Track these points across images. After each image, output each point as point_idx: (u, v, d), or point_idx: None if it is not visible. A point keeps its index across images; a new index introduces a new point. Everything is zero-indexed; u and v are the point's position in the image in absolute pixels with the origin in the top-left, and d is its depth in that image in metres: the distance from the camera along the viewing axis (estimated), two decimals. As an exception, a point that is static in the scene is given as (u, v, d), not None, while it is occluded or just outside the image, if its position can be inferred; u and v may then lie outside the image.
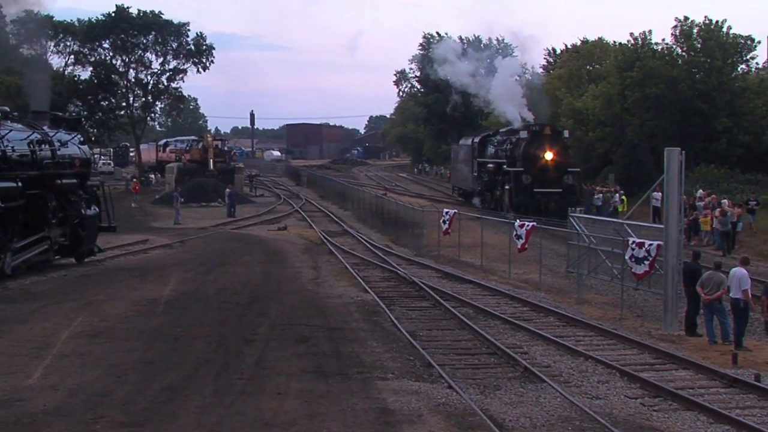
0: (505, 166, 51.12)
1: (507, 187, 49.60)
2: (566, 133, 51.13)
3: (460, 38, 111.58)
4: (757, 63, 63.36)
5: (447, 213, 37.36)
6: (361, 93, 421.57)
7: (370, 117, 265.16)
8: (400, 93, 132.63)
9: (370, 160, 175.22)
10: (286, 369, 16.14)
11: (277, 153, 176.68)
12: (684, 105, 57.84)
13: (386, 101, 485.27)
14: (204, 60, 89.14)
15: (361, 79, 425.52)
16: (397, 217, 47.00)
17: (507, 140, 53.03)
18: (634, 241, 23.01)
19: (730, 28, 59.14)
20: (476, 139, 59.93)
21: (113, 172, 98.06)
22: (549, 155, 49.00)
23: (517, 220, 31.77)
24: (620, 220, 27.03)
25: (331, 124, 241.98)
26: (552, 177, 48.70)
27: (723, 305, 20.70)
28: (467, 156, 62.23)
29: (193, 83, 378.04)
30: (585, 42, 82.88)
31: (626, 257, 23.28)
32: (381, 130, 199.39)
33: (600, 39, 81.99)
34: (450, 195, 72.68)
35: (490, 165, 54.81)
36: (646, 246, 22.40)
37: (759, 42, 60.06)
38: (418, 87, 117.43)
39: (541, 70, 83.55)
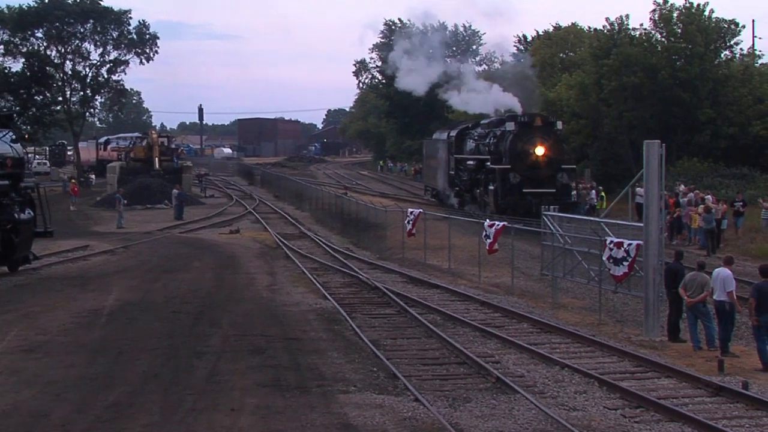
0: (488, 164, 47.86)
1: (491, 187, 46.47)
2: (559, 125, 47.60)
3: (424, 25, 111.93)
4: (741, 49, 63.92)
5: (411, 213, 37.41)
6: (318, 85, 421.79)
7: (329, 111, 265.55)
8: (361, 84, 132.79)
9: (328, 157, 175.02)
10: (240, 383, 16.10)
11: (228, 150, 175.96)
12: (664, 94, 58.27)
13: (345, 93, 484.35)
14: (147, 50, 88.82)
15: (318, 70, 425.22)
16: (359, 217, 46.97)
17: (490, 133, 49.79)
18: (612, 241, 23.14)
19: (712, 11, 59.77)
20: (453, 133, 56.60)
21: (49, 172, 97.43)
22: (540, 150, 45.62)
23: (487, 220, 31.84)
24: (597, 219, 27.14)
25: (287, 118, 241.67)
26: (544, 175, 45.63)
27: (707, 308, 20.87)
28: (442, 152, 58.74)
29: (135, 76, 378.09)
30: (558, 28, 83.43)
31: (604, 258, 23.40)
32: (340, 125, 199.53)
33: (574, 25, 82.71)
34: (420, 195, 72.64)
35: (470, 162, 51.54)
36: (625, 246, 22.53)
37: (743, 26, 60.62)
38: (380, 78, 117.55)
39: (511, 58, 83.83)
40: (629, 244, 22.46)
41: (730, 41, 60.57)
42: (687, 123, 58.74)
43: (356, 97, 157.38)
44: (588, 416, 14.89)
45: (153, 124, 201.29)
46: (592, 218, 27.14)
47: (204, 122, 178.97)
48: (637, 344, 20.98)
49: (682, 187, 45.66)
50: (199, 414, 14.06)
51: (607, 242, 23.28)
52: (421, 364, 18.44)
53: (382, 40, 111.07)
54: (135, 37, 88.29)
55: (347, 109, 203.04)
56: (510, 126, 46.90)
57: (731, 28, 60.05)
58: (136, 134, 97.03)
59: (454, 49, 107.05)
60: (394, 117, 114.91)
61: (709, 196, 40.68)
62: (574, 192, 46.48)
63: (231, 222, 53.45)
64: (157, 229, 49.42)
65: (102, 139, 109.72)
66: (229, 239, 44.57)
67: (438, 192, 60.91)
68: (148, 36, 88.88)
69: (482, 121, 53.69)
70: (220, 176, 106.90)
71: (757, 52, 68.70)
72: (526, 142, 46.03)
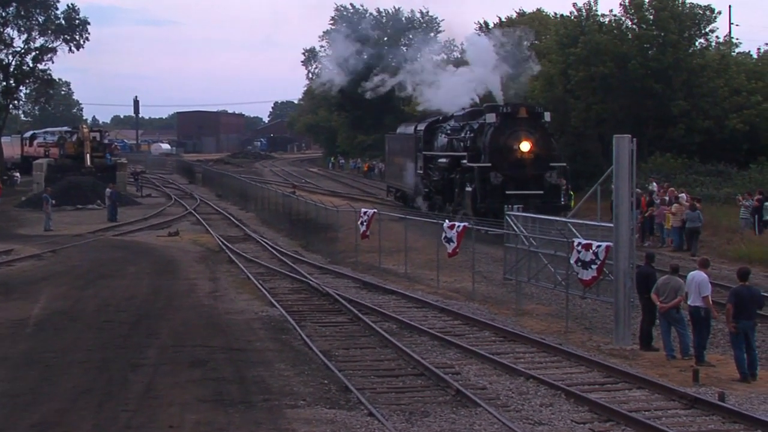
0: (464, 161, 44.97)
1: (469, 188, 43.46)
2: (547, 116, 44.32)
3: (378, 11, 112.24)
4: (717, 37, 64.50)
5: (365, 213, 37.42)
6: (264, 75, 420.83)
7: (275, 103, 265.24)
8: (310, 75, 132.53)
9: (275, 153, 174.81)
10: (179, 398, 16.04)
11: (166, 146, 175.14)
12: (635, 85, 58.63)
13: (293, 85, 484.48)
14: (77, 37, 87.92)
15: (264, 60, 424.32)
16: (308, 218, 46.91)
17: (466, 126, 46.88)
18: (580, 243, 23.27)
19: (686, -4, 60.20)
20: (421, 127, 53.72)
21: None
22: (525, 146, 42.67)
23: (446, 221, 31.89)
24: (564, 219, 27.28)
25: (230, 111, 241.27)
26: (529, 174, 42.68)
27: (681, 314, 21.03)
28: (408, 148, 55.90)
29: (64, 65, 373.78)
30: (522, 14, 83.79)
31: (571, 261, 23.53)
32: (288, 119, 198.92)
33: (539, 11, 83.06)
34: (373, 194, 72.71)
35: (443, 160, 48.81)
36: (594, 248, 22.67)
37: (719, 12, 61.04)
38: (330, 68, 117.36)
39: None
40: (598, 246, 22.59)
41: (705, 28, 60.96)
42: (659, 116, 59.16)
43: (305, 88, 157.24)
44: (554, 431, 14.98)
45: (84, 118, 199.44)
46: (558, 218, 27.26)
47: (140, 115, 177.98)
48: (606, 353, 21.13)
49: (654, 184, 46.02)
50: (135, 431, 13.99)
51: (575, 244, 23.39)
52: (376, 376, 18.47)
53: (333, 27, 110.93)
54: (63, 22, 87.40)
55: (295, 102, 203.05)
56: (490, 118, 43.64)
57: (706, 15, 60.41)
58: (66, 128, 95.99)
59: (411, 36, 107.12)
60: (345, 110, 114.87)
61: (684, 195, 41.02)
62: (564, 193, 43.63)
63: (170, 224, 53.14)
64: (88, 231, 49.02)
65: (27, 134, 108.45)
66: (167, 242, 44.35)
67: (404, 193, 58.26)
68: (77, 21, 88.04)
69: (455, 113, 50.71)
70: (157, 174, 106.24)
71: (734, 40, 69.63)
72: (509, 137, 43.09)
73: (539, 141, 43.12)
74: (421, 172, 52.58)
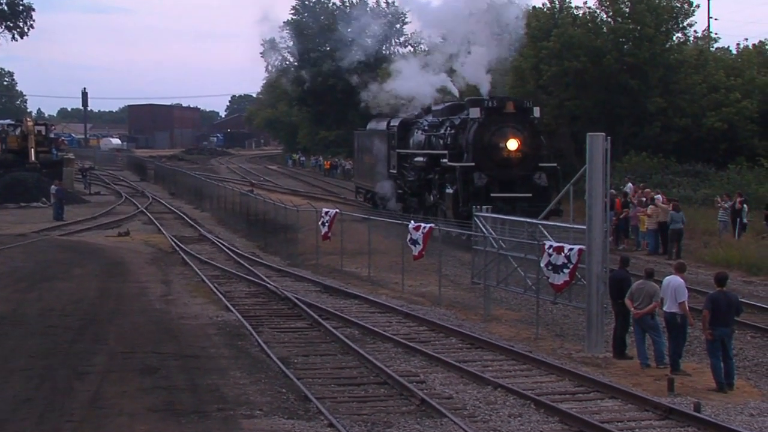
0: (445, 160, 43.18)
1: (449, 190, 41.91)
2: (536, 111, 42.27)
3: (342, 1, 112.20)
4: (695, 31, 65.05)
5: (327, 213, 37.39)
6: (221, 67, 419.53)
7: (233, 97, 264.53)
8: (269, 67, 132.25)
9: (232, 150, 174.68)
10: (128, 407, 15.96)
11: (116, 141, 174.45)
12: (610, 81, 58.99)
13: (252, 77, 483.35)
14: (21, 24, 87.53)
15: (221, 50, 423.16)
16: (267, 218, 46.84)
17: (446, 122, 45.19)
18: (551, 246, 23.35)
19: (664, -12, 60.60)
20: (394, 123, 51.83)
21: None
22: (513, 144, 40.90)
23: (412, 222, 31.91)
24: (535, 221, 27.31)
25: (184, 105, 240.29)
26: (517, 175, 41.09)
27: (656, 321, 21.14)
28: (380, 146, 54.16)
29: (7, 53, 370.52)
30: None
31: (542, 265, 23.59)
32: (246, 113, 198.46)
33: (510, 2, 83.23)
34: (335, 193, 72.70)
35: (419, 158, 47.00)
36: (566, 251, 22.74)
37: (698, 6, 61.74)
38: (291, 60, 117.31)
39: (440, 39, 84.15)
40: (570, 249, 22.67)
41: (682, 22, 61.42)
42: (635, 113, 59.53)
43: (264, 81, 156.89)
44: (523, 442, 15.03)
45: (28, 110, 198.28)
46: (529, 220, 27.29)
47: (88, 108, 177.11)
48: (578, 361, 21.21)
49: (630, 185, 46.26)
50: (80, 443, 13.91)
51: (546, 247, 23.46)
52: (337, 385, 18.46)
53: (294, 17, 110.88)
54: (6, 8, 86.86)
55: (254, 96, 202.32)
56: (474, 113, 41.48)
57: (684, 8, 60.87)
58: (8, 121, 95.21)
59: (375, 28, 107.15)
60: (307, 105, 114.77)
61: (659, 196, 41.23)
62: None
63: (120, 223, 52.93)
64: (32, 231, 48.72)
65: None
66: (117, 243, 44.16)
67: (375, 195, 55.94)
68: (21, 7, 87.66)
69: (433, 107, 48.93)
70: (107, 170, 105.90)
71: (712, 35, 70.23)
72: (495, 134, 41.27)
73: (528, 139, 41.37)
74: (395, 171, 50.82)
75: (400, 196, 50.45)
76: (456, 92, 50.60)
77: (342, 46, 73.75)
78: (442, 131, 45.13)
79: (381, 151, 53.84)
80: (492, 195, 39.87)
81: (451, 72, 50.84)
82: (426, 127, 47.77)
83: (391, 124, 52.27)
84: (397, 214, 41.91)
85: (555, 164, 42.70)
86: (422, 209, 45.90)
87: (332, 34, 79.83)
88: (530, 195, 40.16)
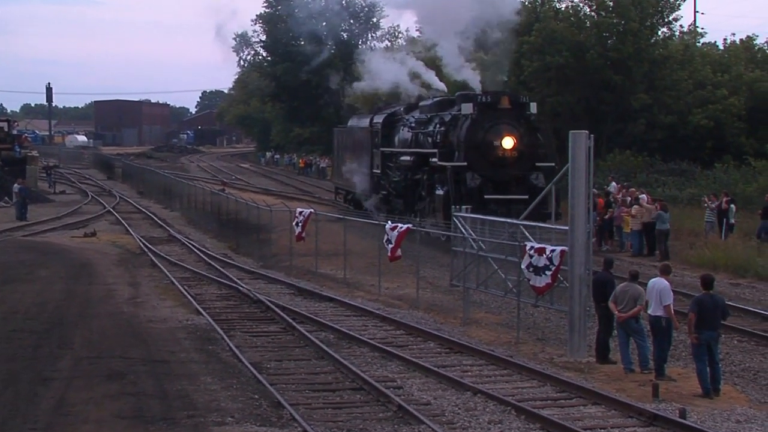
0: (434, 159, 41.69)
1: (439, 191, 40.55)
2: (533, 107, 41.22)
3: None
4: (681, 26, 65.36)
5: (301, 213, 37.35)
6: (191, 62, 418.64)
7: (203, 92, 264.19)
8: (241, 62, 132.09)
9: (203, 147, 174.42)
10: (95, 414, 15.92)
11: (82, 138, 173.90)
12: (593, 77, 59.14)
13: (223, 73, 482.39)
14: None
15: (191, 45, 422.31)
16: (239, 218, 46.78)
17: (436, 119, 43.55)
18: (532, 247, 23.39)
19: (648, -18, 60.76)
20: (378, 119, 50.18)
21: None
22: (508, 142, 39.52)
23: (389, 222, 31.91)
24: (516, 221, 27.35)
25: (153, 101, 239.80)
26: (512, 176, 39.87)
27: (641, 325, 21.20)
28: (362, 144, 52.65)
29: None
30: None
31: (523, 266, 23.63)
32: (217, 109, 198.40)
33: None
34: (310, 192, 72.58)
35: (406, 158, 45.62)
36: (548, 252, 22.78)
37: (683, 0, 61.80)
38: (264, 54, 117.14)
39: (417, 33, 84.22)
40: (552, 251, 22.71)
41: (668, 17, 61.66)
42: (619, 110, 59.72)
43: (236, 77, 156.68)
44: (504, 450, 15.06)
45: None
46: (509, 220, 27.33)
47: (53, 104, 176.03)
48: (560, 366, 21.26)
49: (614, 184, 46.39)
50: (44, 452, 13.88)
51: (527, 248, 23.50)
52: (311, 391, 18.47)
53: (267, 10, 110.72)
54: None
55: (225, 91, 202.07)
56: (466, 108, 40.13)
57: (670, 2, 61.05)
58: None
59: (351, 21, 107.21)
60: (280, 101, 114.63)
61: (644, 195, 41.34)
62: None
63: (86, 223, 52.75)
64: (-5, 231, 48.56)
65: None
66: (83, 243, 44.01)
67: (356, 195, 54.40)
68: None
69: (423, 102, 47.47)
70: (73, 168, 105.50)
71: (698, 30, 70.47)
72: (489, 131, 39.88)
73: (524, 137, 40.11)
74: (378, 171, 49.34)
75: (385, 197, 48.86)
76: (443, 86, 49.80)
77: (315, 40, 73.77)
78: (431, 128, 43.64)
79: (363, 149, 52.40)
80: (486, 197, 38.74)
81: (436, 66, 50.59)
82: (413, 124, 46.18)
83: (375, 120, 50.77)
84: (376, 215, 41.48)
85: (553, 164, 41.27)
86: (408, 212, 43.93)
87: (305, 28, 79.70)
88: (527, 197, 37.85)
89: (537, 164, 40.30)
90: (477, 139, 39.83)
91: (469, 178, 39.25)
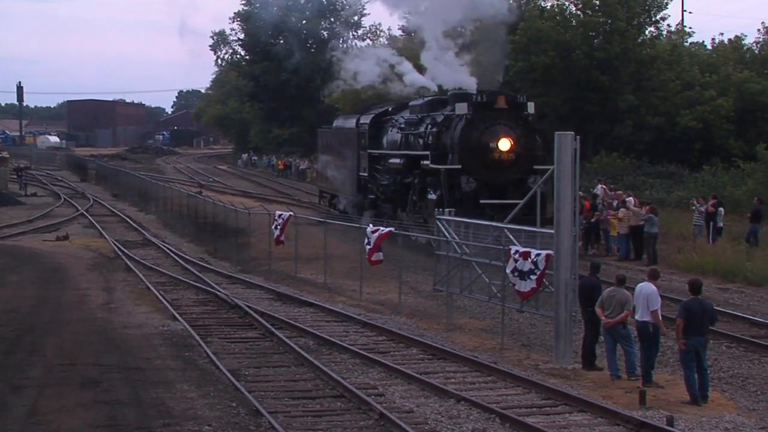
0: (426, 162, 40.17)
1: (432, 195, 39.22)
2: (531, 107, 39.73)
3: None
4: (669, 25, 65.51)
5: (280, 216, 37.32)
6: (167, 61, 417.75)
7: (180, 92, 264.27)
8: (219, 61, 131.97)
9: (179, 148, 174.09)
10: (67, 423, 15.88)
11: (54, 139, 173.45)
12: (579, 77, 59.28)
13: (200, 72, 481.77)
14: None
15: (167, 43, 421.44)
16: (216, 222, 46.73)
17: (427, 119, 42.25)
18: (517, 251, 23.42)
19: (635, -19, 60.93)
20: (365, 120, 48.94)
21: None
22: (505, 144, 38.26)
23: (370, 225, 31.91)
24: (500, 224, 27.39)
25: (128, 100, 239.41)
26: (509, 179, 38.55)
27: (628, 330, 21.25)
28: (349, 145, 51.34)
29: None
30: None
31: (508, 271, 23.65)
32: (194, 110, 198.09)
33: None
34: (290, 195, 72.48)
35: (395, 160, 44.23)
36: (533, 256, 22.81)
37: (671, -2, 61.96)
38: (243, 53, 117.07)
39: (400, 32, 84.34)
40: (537, 255, 22.74)
41: (655, 16, 61.89)
42: (606, 111, 59.86)
43: (213, 76, 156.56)
44: (488, 459, 15.07)
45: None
46: (494, 223, 27.35)
47: (24, 104, 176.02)
48: (545, 373, 21.31)
49: (600, 186, 46.48)
50: (15, 462, 13.84)
51: (512, 252, 23.54)
52: (290, 398, 18.46)
53: (246, 8, 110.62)
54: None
55: (203, 91, 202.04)
56: (460, 108, 38.87)
57: (657, 1, 61.28)
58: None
59: (332, 20, 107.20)
60: (259, 101, 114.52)
61: (631, 198, 41.41)
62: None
63: (58, 226, 52.67)
64: (-35, 234, 48.44)
65: None
66: (55, 247, 43.92)
67: (342, 200, 53.66)
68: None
69: (413, 102, 45.81)
70: (44, 170, 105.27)
71: (686, 29, 70.64)
72: (485, 133, 38.59)
73: (521, 138, 38.75)
74: (365, 174, 47.99)
75: (373, 201, 47.55)
76: (433, 85, 48.67)
77: (293, 34, 73.70)
78: (422, 129, 42.30)
79: (349, 151, 51.11)
80: (481, 201, 37.56)
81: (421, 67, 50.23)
82: (402, 125, 44.81)
83: (361, 120, 49.51)
84: (355, 218, 41.42)
85: (551, 167, 39.57)
86: (397, 216, 42.48)
87: (284, 26, 79.75)
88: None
89: (535, 167, 38.44)
90: (472, 140, 38.65)
91: (463, 181, 38.13)
